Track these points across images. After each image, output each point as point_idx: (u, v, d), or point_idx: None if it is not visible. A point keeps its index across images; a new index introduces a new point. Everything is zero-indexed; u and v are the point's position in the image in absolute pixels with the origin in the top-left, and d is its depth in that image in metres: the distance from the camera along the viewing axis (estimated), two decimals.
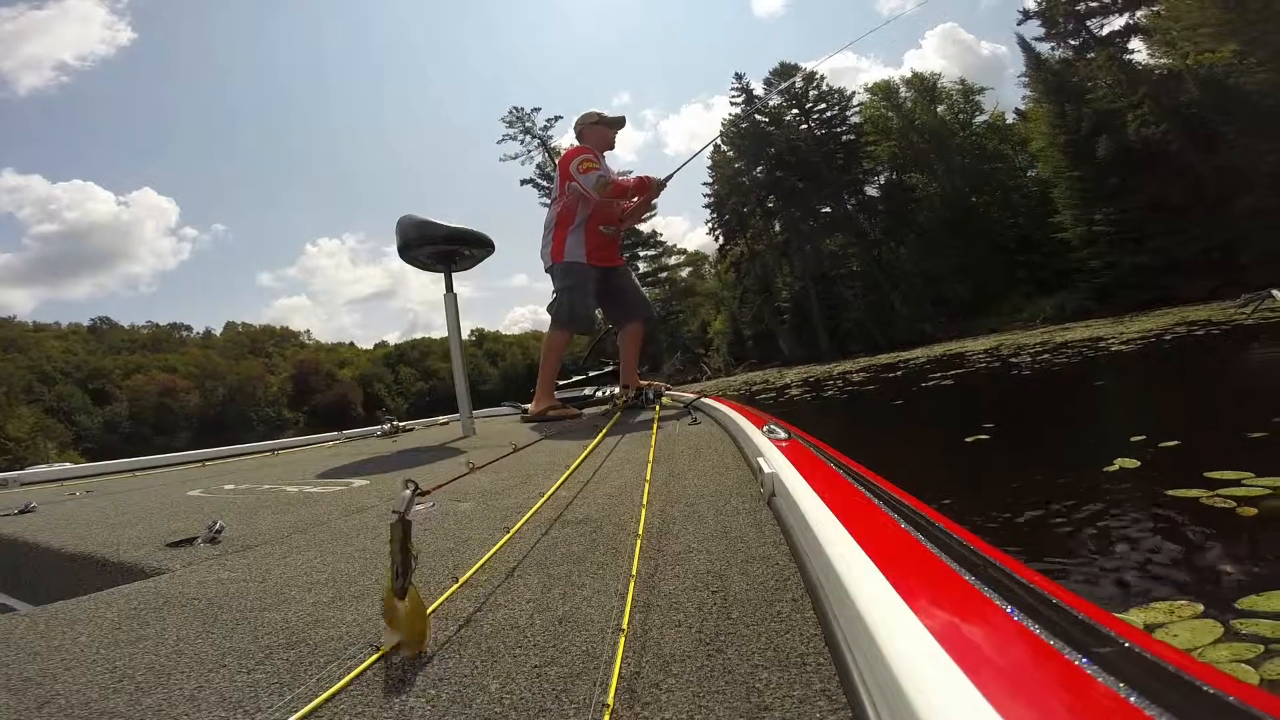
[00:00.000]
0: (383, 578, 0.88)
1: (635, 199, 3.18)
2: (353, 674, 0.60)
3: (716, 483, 1.23)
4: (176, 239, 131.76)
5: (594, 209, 3.04)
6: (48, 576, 1.35)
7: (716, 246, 41.97)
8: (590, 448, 1.75)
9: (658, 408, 2.52)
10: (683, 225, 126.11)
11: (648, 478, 1.28)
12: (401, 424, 3.74)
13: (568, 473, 1.44)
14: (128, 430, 47.98)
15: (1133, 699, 0.31)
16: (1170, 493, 2.51)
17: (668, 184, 3.14)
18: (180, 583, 1.00)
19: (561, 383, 3.80)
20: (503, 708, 0.53)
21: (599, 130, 3.19)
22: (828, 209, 37.14)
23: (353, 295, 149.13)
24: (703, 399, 2.37)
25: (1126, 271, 24.33)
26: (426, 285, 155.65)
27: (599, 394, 3.52)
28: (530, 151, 40.37)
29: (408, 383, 66.61)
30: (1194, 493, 2.46)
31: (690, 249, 48.80)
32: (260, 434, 46.69)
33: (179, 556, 1.16)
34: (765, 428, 1.36)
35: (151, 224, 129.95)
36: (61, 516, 1.75)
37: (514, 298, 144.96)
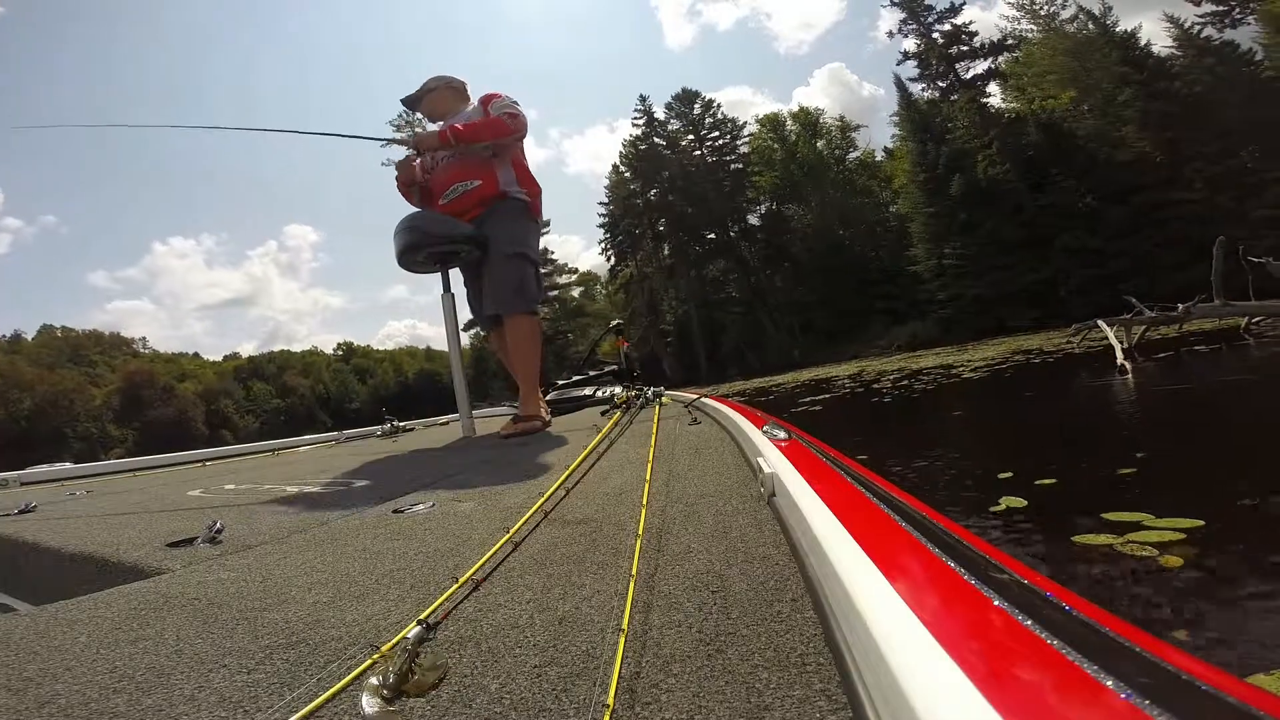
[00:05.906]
0: (383, 578, 0.89)
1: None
2: (353, 674, 0.58)
3: (716, 483, 1.21)
4: None
5: None
6: (48, 576, 1.32)
7: (608, 267, 41.93)
8: (590, 447, 1.72)
9: (658, 408, 2.49)
10: (578, 244, 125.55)
11: (648, 478, 1.25)
12: (402, 424, 3.77)
13: (567, 472, 1.40)
14: None
15: (1133, 699, 0.30)
16: (1077, 539, 2.20)
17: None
18: (180, 583, 0.97)
19: (560, 383, 3.86)
20: (503, 708, 0.52)
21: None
22: (712, 235, 38.19)
23: (205, 301, 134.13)
24: (703, 399, 2.33)
25: (968, 302, 26.09)
26: (292, 293, 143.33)
27: (599, 394, 3.53)
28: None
29: (261, 399, 60.03)
30: (1103, 539, 2.18)
31: (584, 269, 48.58)
32: (79, 453, 42.24)
33: (179, 556, 1.13)
34: (765, 428, 1.34)
35: None
36: (61, 516, 1.73)
37: (390, 311, 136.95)
